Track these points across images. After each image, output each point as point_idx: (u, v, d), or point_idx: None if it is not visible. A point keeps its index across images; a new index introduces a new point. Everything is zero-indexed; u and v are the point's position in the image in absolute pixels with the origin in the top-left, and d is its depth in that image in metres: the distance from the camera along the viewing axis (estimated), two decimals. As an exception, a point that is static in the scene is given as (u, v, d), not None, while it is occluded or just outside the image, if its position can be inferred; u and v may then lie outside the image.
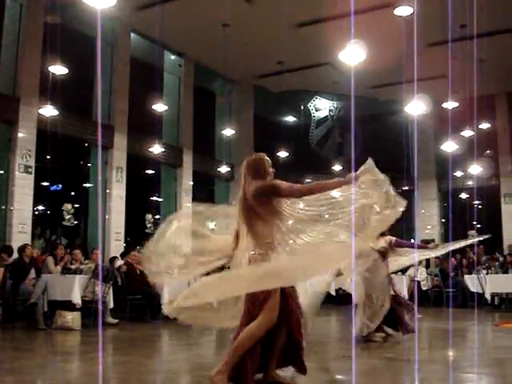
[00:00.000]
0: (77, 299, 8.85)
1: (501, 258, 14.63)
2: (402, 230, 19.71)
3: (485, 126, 15.91)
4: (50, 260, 9.84)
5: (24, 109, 11.40)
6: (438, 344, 7.51)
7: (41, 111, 11.42)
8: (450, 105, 13.35)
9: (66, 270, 9.53)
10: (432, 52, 12.62)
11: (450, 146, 14.47)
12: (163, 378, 4.94)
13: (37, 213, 13.39)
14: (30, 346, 7.28)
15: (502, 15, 12.64)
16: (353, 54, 9.49)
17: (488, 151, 17.64)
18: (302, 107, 19.68)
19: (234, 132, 15.65)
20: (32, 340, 7.79)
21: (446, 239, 18.43)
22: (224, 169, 16.41)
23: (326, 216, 4.15)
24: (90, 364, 5.40)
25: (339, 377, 5.07)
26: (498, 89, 16.84)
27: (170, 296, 10.00)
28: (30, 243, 10.34)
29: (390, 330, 7.51)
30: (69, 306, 8.80)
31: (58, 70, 10.95)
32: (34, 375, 5.01)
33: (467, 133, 15.00)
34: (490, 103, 16.75)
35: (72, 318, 8.58)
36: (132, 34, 14.32)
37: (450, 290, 13.54)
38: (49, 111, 11.35)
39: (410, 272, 13.92)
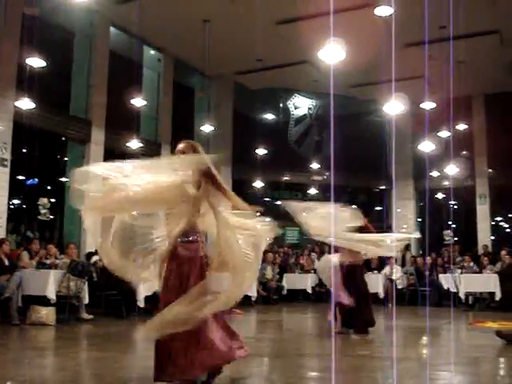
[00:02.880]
0: (51, 294, 8.76)
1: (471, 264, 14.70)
2: (378, 228, 19.90)
3: (461, 126, 16.06)
4: (25, 255, 9.73)
5: (0, 101, 11.24)
6: (412, 342, 7.58)
7: (17, 104, 11.26)
8: (428, 105, 13.45)
9: (40, 265, 9.44)
10: (411, 52, 12.69)
11: (426, 146, 14.58)
12: (138, 374, 4.91)
13: (12, 207, 13.23)
14: (4, 342, 7.21)
15: (481, 17, 12.76)
16: (332, 53, 9.51)
17: (464, 152, 17.81)
18: (281, 105, 19.71)
19: (212, 128, 15.61)
20: (6, 335, 7.70)
21: (421, 239, 18.59)
22: (202, 165, 16.34)
23: None
24: (65, 359, 5.36)
25: (314, 374, 5.09)
26: (476, 90, 17.02)
27: (145, 292, 10.00)
28: (5, 238, 10.21)
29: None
30: (43, 301, 8.71)
31: (36, 62, 10.80)
32: (8, 370, 4.96)
33: (444, 133, 15.13)
34: (467, 104, 16.91)
35: (46, 314, 8.49)
36: (111, 28, 14.19)
37: (426, 288, 13.65)
38: (25, 104, 11.19)
39: (386, 271, 14.03)
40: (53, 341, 7.09)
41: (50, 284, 8.77)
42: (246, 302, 13.16)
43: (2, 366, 5.14)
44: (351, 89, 17.08)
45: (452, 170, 15.89)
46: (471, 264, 14.03)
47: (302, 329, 8.04)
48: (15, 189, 12.14)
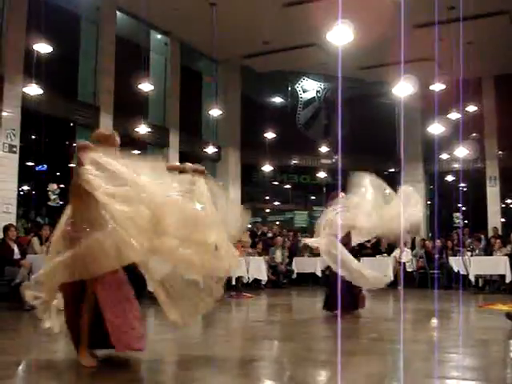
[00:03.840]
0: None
1: (483, 241, 14.75)
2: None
3: (471, 108, 15.91)
4: (36, 240, 9.77)
5: (8, 87, 11.25)
6: (422, 325, 7.58)
7: (25, 90, 11.27)
8: (437, 87, 13.34)
9: (51, 251, 9.47)
10: (420, 34, 12.59)
11: (436, 129, 14.49)
12: (149, 357, 4.93)
13: (22, 193, 13.28)
14: (16, 327, 7.26)
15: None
16: (340, 35, 9.43)
17: (474, 134, 17.69)
18: (289, 88, 19.61)
19: (220, 112, 15.58)
20: (18, 320, 7.75)
21: (431, 221, 18.54)
22: (211, 149, 16.36)
23: None
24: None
25: (324, 357, 5.10)
26: (485, 72, 16.88)
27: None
28: (14, 224, 10.26)
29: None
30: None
31: (43, 48, 10.80)
32: (20, 355, 4.99)
33: (454, 115, 15.03)
34: (477, 86, 16.77)
35: (58, 299, 8.53)
36: (118, 13, 14.14)
37: (435, 271, 13.64)
38: (33, 90, 11.20)
39: (396, 253, 14.01)
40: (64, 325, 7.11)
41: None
42: (255, 286, 13.22)
43: (14, 351, 5.17)
44: (360, 71, 16.97)
45: (462, 152, 15.78)
46: (481, 246, 14.02)
47: (312, 312, 8.06)
48: (24, 175, 12.18)
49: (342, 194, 8.04)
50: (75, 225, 4.29)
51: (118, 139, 4.77)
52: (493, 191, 17.66)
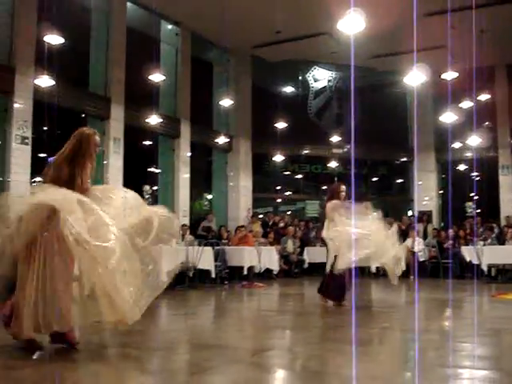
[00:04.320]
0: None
1: (496, 230, 14.69)
2: (400, 202, 19.83)
3: (484, 97, 15.79)
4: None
5: (20, 79, 11.28)
6: (434, 314, 7.57)
7: (37, 81, 11.31)
8: (450, 75, 13.25)
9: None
10: (432, 22, 12.48)
11: (448, 117, 14.40)
12: (162, 346, 4.97)
13: (34, 184, 13.33)
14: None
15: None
16: (352, 24, 9.37)
17: (487, 123, 17.57)
18: (301, 77, 19.55)
19: (231, 102, 15.56)
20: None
21: (443, 211, 18.48)
22: (222, 139, 16.36)
23: None
24: (90, 333, 5.42)
25: (337, 346, 5.11)
26: (498, 60, 16.72)
27: (167, 267, 10.09)
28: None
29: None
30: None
31: (54, 39, 10.82)
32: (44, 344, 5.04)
33: (466, 104, 14.92)
34: (490, 74, 16.63)
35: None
36: (128, 3, 14.12)
37: (448, 261, 13.60)
38: (45, 81, 11.24)
39: (408, 243, 13.98)
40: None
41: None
42: (267, 276, 13.25)
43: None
44: (371, 60, 16.88)
45: (474, 140, 15.70)
46: (493, 235, 13.97)
47: (324, 302, 8.06)
48: (37, 166, 12.22)
49: (342, 187, 8.06)
50: None
51: (98, 139, 4.95)
52: (505, 180, 17.54)
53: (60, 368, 4.04)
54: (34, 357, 4.26)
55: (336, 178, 18.44)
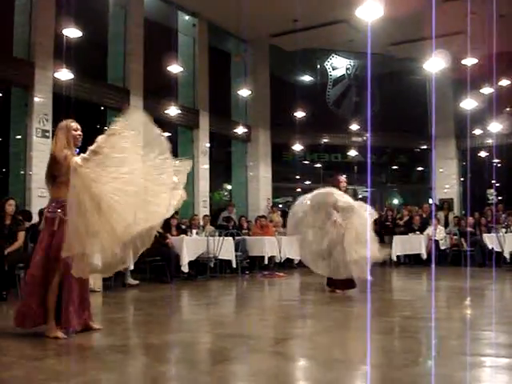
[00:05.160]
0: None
1: None
2: (421, 190, 19.71)
3: (505, 82, 15.59)
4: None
5: (39, 73, 11.37)
6: (456, 302, 7.54)
7: (56, 75, 11.39)
8: (470, 61, 13.10)
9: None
10: (451, 7, 12.35)
11: (469, 104, 14.26)
12: (184, 337, 5.02)
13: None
14: (53, 308, 7.40)
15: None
16: (370, 11, 9.30)
17: (508, 108, 17.36)
18: (319, 66, 19.45)
19: (250, 92, 15.53)
20: None
21: (464, 198, 18.32)
22: (241, 130, 16.37)
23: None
24: (113, 324, 5.50)
25: (358, 334, 5.12)
26: (519, 44, 16.47)
27: (189, 257, 10.16)
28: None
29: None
30: (90, 268, 8.88)
31: (72, 32, 10.88)
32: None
33: (487, 90, 14.75)
34: (510, 59, 16.39)
35: (93, 280, 8.68)
36: (145, -5, 14.15)
37: (469, 248, 13.49)
38: (64, 75, 11.31)
39: (429, 231, 13.91)
40: (101, 306, 7.26)
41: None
42: (288, 265, 13.27)
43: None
44: (390, 47, 16.75)
45: (495, 127, 15.54)
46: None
47: (344, 291, 8.07)
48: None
49: (342, 178, 8.08)
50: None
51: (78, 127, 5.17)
52: (527, 166, 17.34)
53: (79, 359, 4.10)
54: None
55: (356, 167, 18.39)
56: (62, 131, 5.00)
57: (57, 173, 4.80)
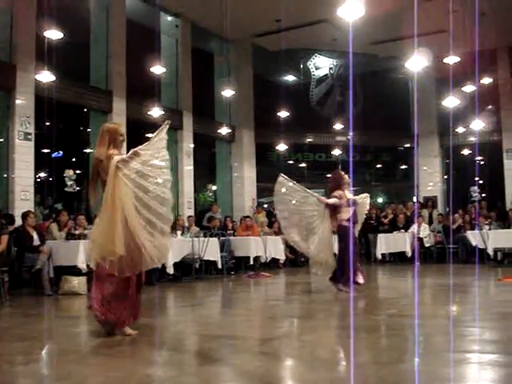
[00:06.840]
0: (82, 264, 8.87)
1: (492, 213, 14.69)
2: (405, 188, 19.81)
3: (486, 80, 15.70)
4: (54, 226, 9.84)
5: (21, 75, 11.27)
6: (440, 299, 7.58)
7: (38, 77, 11.29)
8: (451, 60, 13.17)
9: (70, 236, 9.55)
10: (432, 6, 12.41)
11: (451, 102, 14.33)
12: (170, 338, 5.00)
13: (38, 180, 13.36)
14: (38, 312, 7.36)
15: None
16: (351, 10, 9.29)
17: (490, 106, 17.49)
18: (302, 66, 19.48)
19: (233, 93, 15.52)
20: (39, 306, 7.86)
21: (447, 196, 18.44)
22: (225, 130, 16.35)
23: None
24: (98, 327, 5.45)
25: (345, 333, 5.12)
26: (500, 43, 16.59)
27: (173, 258, 10.12)
28: (33, 210, 10.33)
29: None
30: (74, 271, 8.84)
31: (54, 34, 10.80)
32: (44, 340, 5.07)
33: (469, 88, 14.83)
34: (492, 57, 16.52)
35: (78, 283, 8.64)
36: (127, -4, 14.09)
37: (453, 246, 13.57)
38: (46, 77, 11.21)
39: (413, 229, 13.98)
40: (85, 309, 7.21)
41: (80, 254, 8.86)
42: (273, 265, 13.28)
43: (37, 336, 5.25)
44: (372, 46, 16.82)
45: (477, 125, 15.64)
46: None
47: (330, 290, 8.08)
48: (40, 162, 12.24)
49: (347, 176, 8.16)
50: None
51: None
52: (510, 164, 17.45)
53: (65, 363, 4.07)
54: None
55: (339, 166, 18.43)
56: (109, 133, 5.08)
57: (103, 173, 4.84)
